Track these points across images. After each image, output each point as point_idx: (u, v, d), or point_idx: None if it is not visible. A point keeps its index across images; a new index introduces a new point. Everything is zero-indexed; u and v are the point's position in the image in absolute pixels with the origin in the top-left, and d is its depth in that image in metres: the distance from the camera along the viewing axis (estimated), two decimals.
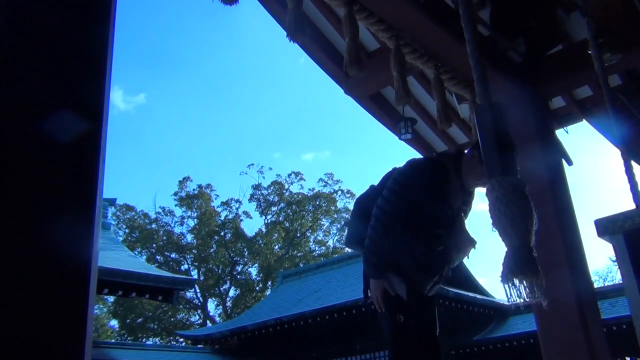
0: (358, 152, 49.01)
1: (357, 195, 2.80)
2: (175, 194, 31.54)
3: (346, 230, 2.76)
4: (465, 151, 2.66)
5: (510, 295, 1.31)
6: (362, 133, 49.63)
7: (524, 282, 1.31)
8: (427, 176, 2.51)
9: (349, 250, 27.99)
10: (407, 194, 2.47)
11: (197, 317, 30.75)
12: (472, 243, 2.54)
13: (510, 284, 1.31)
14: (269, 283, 29.76)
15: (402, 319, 2.36)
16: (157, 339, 29.39)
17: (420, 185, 2.48)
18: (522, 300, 1.31)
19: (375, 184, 2.71)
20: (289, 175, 32.77)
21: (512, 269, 1.31)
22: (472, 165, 2.49)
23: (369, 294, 2.48)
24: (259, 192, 32.29)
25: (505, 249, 1.38)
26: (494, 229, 1.40)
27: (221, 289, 31.09)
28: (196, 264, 31.07)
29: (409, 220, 2.45)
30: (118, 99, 40.13)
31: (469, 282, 16.92)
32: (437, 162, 2.62)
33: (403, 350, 2.40)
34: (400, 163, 2.63)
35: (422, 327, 2.45)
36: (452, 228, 2.53)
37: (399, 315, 2.36)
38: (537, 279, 1.30)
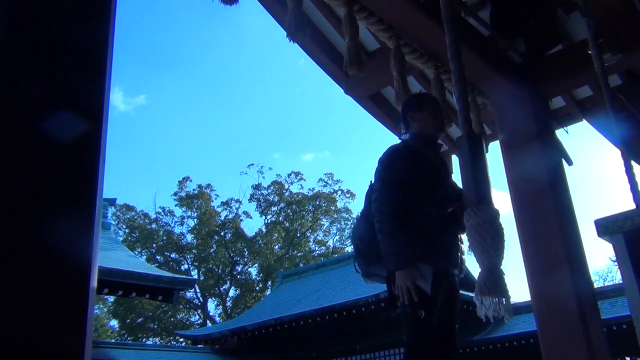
0: (358, 152, 49.08)
1: (351, 232, 2.84)
2: (175, 194, 31.57)
3: (357, 266, 2.71)
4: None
5: (480, 309, 1.53)
6: (362, 133, 49.70)
7: (492, 300, 1.52)
8: (409, 157, 2.56)
9: (349, 250, 28.00)
10: (398, 177, 2.50)
11: (197, 317, 30.77)
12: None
13: (480, 301, 1.52)
14: (269, 283, 29.76)
15: (423, 315, 2.34)
16: (157, 339, 29.39)
17: (406, 165, 2.53)
18: (490, 314, 1.54)
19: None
20: (289, 175, 32.82)
21: (482, 289, 1.51)
22: (423, 120, 2.66)
23: (394, 292, 2.45)
24: (259, 192, 32.31)
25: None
26: (470, 252, 1.62)
27: (221, 289, 31.09)
28: (196, 264, 31.07)
29: (411, 202, 2.46)
30: (118, 100, 40.21)
31: (469, 282, 16.90)
32: (408, 145, 2.69)
33: (419, 346, 2.39)
34: None
35: (442, 324, 2.44)
36: (449, 192, 2.56)
37: (420, 310, 2.35)
38: (502, 299, 1.51)
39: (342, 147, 48.38)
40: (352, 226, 2.87)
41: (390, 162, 2.56)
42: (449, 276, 2.52)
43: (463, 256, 2.59)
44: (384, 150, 2.66)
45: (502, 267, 1.54)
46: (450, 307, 2.52)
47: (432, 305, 2.37)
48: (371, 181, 2.69)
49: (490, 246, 1.51)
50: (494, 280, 1.50)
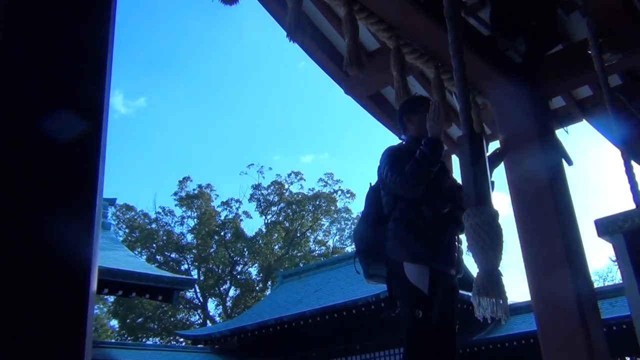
0: (357, 154, 49.08)
1: (353, 231, 2.88)
2: (175, 193, 31.55)
3: (359, 267, 2.69)
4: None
5: (478, 309, 1.53)
6: (361, 135, 49.70)
7: (490, 301, 1.51)
8: (407, 158, 2.58)
9: (349, 250, 28.00)
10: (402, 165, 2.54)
11: (197, 317, 30.76)
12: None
13: (477, 302, 1.52)
14: (269, 283, 29.76)
15: (420, 315, 2.35)
16: (157, 339, 29.38)
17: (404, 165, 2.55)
18: (487, 315, 1.53)
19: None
20: (289, 175, 32.80)
21: (480, 290, 1.51)
22: (419, 122, 2.69)
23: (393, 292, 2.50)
24: (259, 192, 32.29)
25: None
26: (468, 252, 1.61)
27: (221, 289, 31.08)
28: (196, 264, 31.06)
29: (407, 203, 2.48)
30: (119, 103, 40.15)
31: (469, 283, 16.88)
32: (404, 147, 2.72)
33: (417, 347, 2.39)
34: None
35: (440, 324, 2.44)
36: (445, 193, 2.57)
37: (418, 310, 2.36)
38: (499, 300, 1.50)
39: (341, 149, 48.40)
40: (354, 227, 2.90)
41: (391, 156, 2.59)
42: (447, 276, 2.53)
43: (461, 256, 2.59)
44: (383, 151, 2.67)
45: (500, 269, 1.54)
46: (450, 306, 2.52)
47: (430, 305, 2.38)
48: (370, 183, 2.71)
49: (489, 247, 1.51)
50: (491, 281, 1.50)
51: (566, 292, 3.33)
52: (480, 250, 1.51)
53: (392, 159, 2.58)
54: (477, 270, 1.53)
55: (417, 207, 2.48)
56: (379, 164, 2.64)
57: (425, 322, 2.35)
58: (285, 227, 32.41)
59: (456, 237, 2.58)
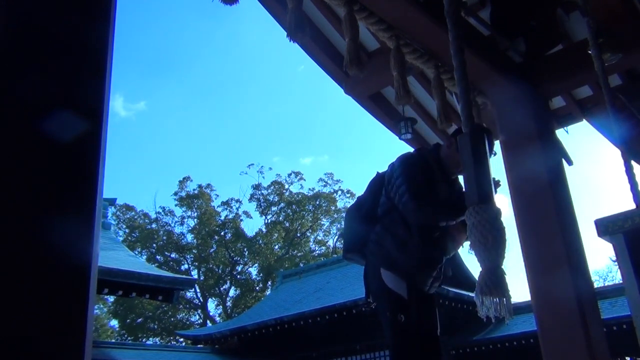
0: (356, 155, 49.07)
1: (349, 207, 2.88)
2: (175, 193, 31.56)
3: (342, 243, 2.77)
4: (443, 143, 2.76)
5: (481, 308, 1.52)
6: (360, 137, 49.71)
7: (493, 300, 1.51)
8: (418, 165, 2.59)
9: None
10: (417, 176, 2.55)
11: (197, 317, 30.77)
12: (464, 231, 2.56)
13: (480, 300, 1.51)
14: (269, 283, 29.76)
15: (403, 319, 2.36)
16: (157, 339, 29.40)
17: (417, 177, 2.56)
18: (491, 314, 1.52)
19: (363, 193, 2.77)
20: (289, 175, 32.82)
21: (483, 289, 1.50)
22: (451, 153, 2.64)
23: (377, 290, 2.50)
24: (259, 192, 32.30)
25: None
26: (471, 251, 1.60)
27: (221, 289, 31.09)
28: (196, 264, 31.07)
29: (401, 218, 2.48)
30: (119, 106, 40.13)
31: (470, 283, 16.92)
32: (421, 156, 2.70)
33: (403, 350, 2.41)
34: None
35: (423, 327, 2.45)
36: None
37: (400, 314, 2.37)
38: (503, 298, 1.50)
39: (340, 151, 48.40)
40: (349, 207, 2.92)
41: (409, 170, 2.58)
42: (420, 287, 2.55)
43: (439, 277, 2.61)
44: (400, 156, 2.68)
45: (503, 267, 1.54)
46: (429, 311, 2.54)
47: (411, 309, 2.40)
48: (377, 171, 2.72)
49: (491, 245, 1.51)
50: (495, 279, 1.49)
51: (566, 292, 3.33)
52: (482, 249, 1.50)
53: (409, 174, 2.53)
54: (480, 269, 1.52)
55: (408, 225, 2.49)
56: (394, 161, 2.64)
57: (408, 325, 2.37)
58: (285, 227, 32.41)
59: (439, 260, 2.60)
